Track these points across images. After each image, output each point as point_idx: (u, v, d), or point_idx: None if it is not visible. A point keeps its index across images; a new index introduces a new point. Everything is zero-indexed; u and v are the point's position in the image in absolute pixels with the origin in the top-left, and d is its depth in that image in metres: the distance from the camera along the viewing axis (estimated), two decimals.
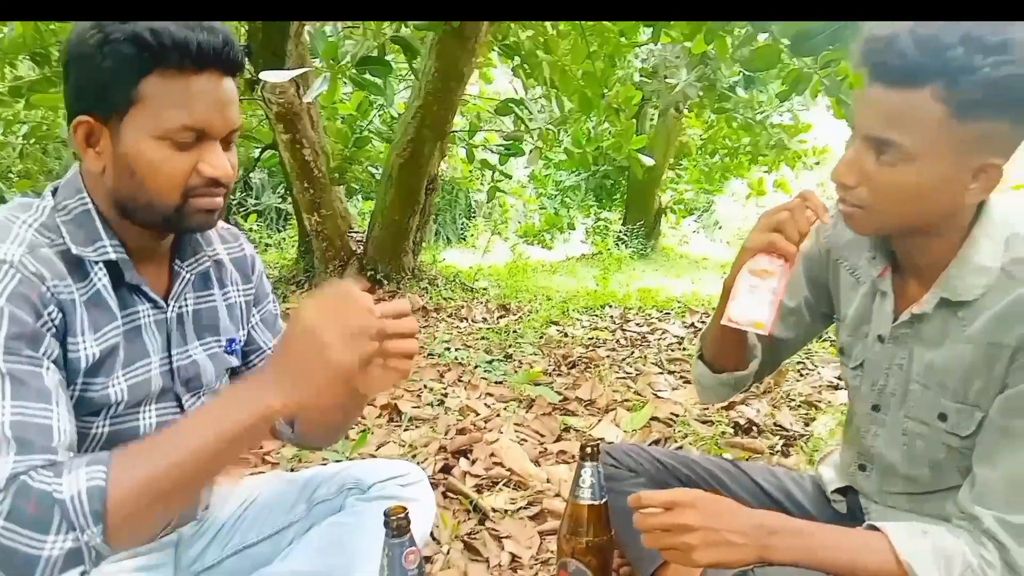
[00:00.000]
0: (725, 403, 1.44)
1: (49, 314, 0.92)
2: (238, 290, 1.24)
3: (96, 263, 0.99)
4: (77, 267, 0.98)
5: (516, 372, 3.45)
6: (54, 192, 1.03)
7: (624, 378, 3.37)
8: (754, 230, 1.15)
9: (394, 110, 6.13)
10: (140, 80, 0.93)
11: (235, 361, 1.23)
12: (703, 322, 4.90)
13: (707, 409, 2.89)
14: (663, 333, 4.50)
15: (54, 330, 0.92)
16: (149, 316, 1.07)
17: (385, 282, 5.38)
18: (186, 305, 1.14)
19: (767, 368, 1.42)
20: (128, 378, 1.03)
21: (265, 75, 2.49)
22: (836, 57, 2.50)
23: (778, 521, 1.08)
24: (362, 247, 5.52)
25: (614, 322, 4.90)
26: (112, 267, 1.02)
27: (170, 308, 1.10)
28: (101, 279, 1.00)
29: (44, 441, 0.86)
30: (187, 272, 1.12)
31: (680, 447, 2.47)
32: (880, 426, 1.23)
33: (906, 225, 1.07)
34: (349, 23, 4.39)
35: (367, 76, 2.79)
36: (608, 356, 3.81)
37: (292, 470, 2.26)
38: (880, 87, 0.99)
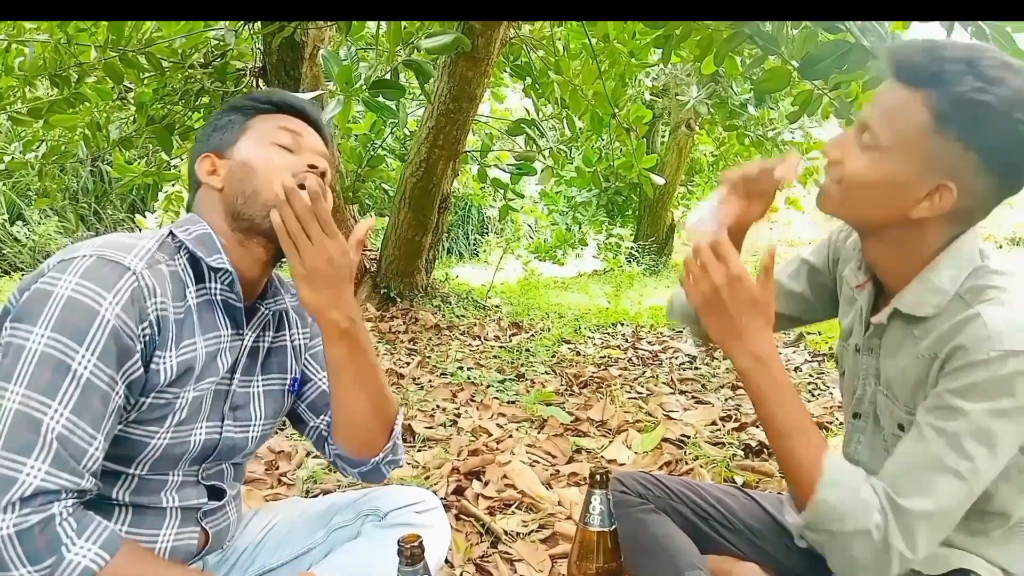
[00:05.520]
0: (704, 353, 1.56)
1: (144, 330, 1.02)
2: (298, 332, 1.36)
3: (192, 283, 1.12)
4: (179, 288, 1.10)
5: (528, 392, 3.48)
6: (170, 227, 1.18)
7: (635, 398, 3.39)
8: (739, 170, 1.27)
9: (407, 128, 6.19)
10: (250, 118, 1.23)
11: (290, 402, 1.35)
12: None
13: (718, 431, 2.90)
14: (675, 352, 4.51)
15: (143, 347, 1.02)
16: (227, 341, 1.17)
17: (399, 299, 5.42)
18: (262, 340, 1.27)
19: None
20: (194, 391, 1.11)
21: None
22: (845, 79, 2.52)
23: (773, 358, 1.12)
24: (375, 265, 5.56)
25: (626, 340, 4.92)
26: (222, 277, 1.15)
27: (247, 337, 1.22)
28: (192, 299, 1.12)
29: (76, 463, 0.94)
30: (265, 308, 1.26)
31: (691, 469, 2.48)
32: (862, 433, 1.28)
33: (860, 216, 1.14)
34: (362, 46, 4.44)
35: (380, 99, 2.83)
36: (620, 375, 3.82)
37: (308, 492, 2.29)
38: (889, 82, 1.07)
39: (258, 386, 1.26)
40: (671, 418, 3.05)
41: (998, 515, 1.13)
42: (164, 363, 1.05)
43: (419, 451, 2.62)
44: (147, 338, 1.02)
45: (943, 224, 1.09)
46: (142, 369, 1.03)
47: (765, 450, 2.68)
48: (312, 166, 1.19)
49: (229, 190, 1.18)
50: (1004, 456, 1.03)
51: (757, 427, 2.88)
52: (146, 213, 9.44)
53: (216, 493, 1.23)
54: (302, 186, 1.12)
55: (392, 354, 4.23)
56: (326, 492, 2.25)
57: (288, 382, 1.32)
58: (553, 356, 4.31)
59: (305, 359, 1.38)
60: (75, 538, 0.92)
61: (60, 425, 0.93)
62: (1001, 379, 1.00)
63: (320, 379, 1.38)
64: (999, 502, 1.12)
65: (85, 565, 0.91)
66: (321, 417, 1.37)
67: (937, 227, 1.10)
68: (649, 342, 4.83)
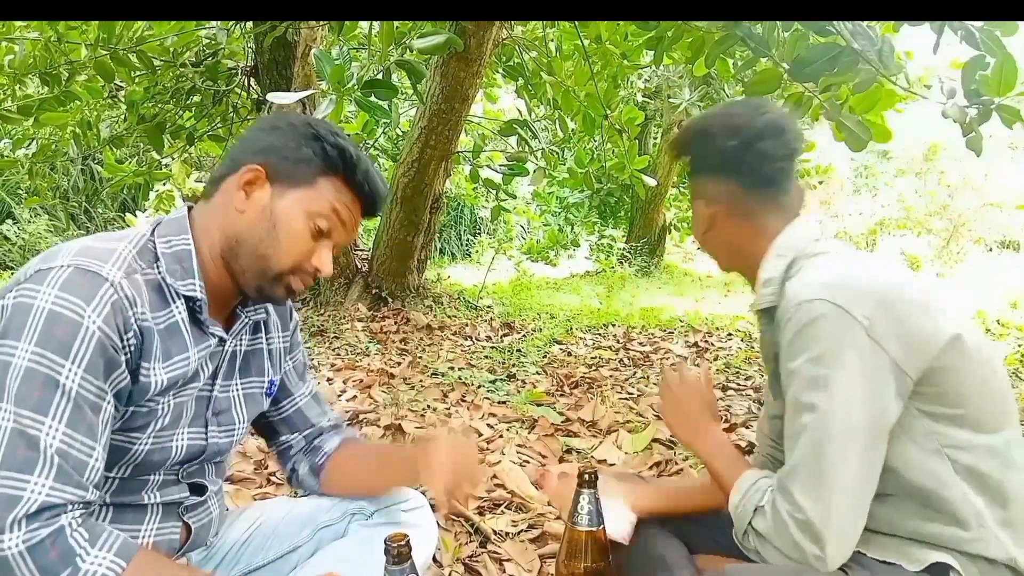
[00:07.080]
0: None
1: (128, 340, 1.00)
2: (278, 335, 1.34)
3: (178, 298, 1.09)
4: (161, 298, 1.07)
5: (519, 392, 3.48)
6: (154, 226, 1.13)
7: (626, 399, 3.39)
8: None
9: (399, 128, 6.19)
10: (325, 176, 1.13)
11: (266, 404, 1.34)
12: (707, 341, 4.92)
13: None
14: (666, 352, 4.52)
15: (128, 357, 1.01)
16: (209, 349, 1.16)
17: (390, 300, 5.42)
18: (240, 344, 1.25)
19: None
20: (175, 397, 1.10)
21: (272, 96, 2.52)
22: (835, 82, 2.53)
23: (726, 444, 1.30)
24: (367, 265, 5.56)
25: (617, 341, 4.92)
26: (190, 303, 1.11)
27: (228, 343, 1.20)
28: (180, 312, 1.09)
29: (79, 476, 0.93)
30: (246, 316, 1.23)
31: (680, 470, 2.48)
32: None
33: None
34: (354, 45, 4.43)
35: (372, 99, 2.83)
36: (611, 376, 3.83)
37: (296, 492, 2.28)
38: None
39: (238, 390, 1.25)
40: (661, 419, 3.05)
41: (926, 491, 1.08)
42: (153, 375, 1.04)
43: None
44: (132, 348, 1.01)
45: (728, 222, 1.26)
46: (129, 379, 1.02)
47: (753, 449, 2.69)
48: (317, 270, 1.16)
49: (246, 227, 1.11)
50: (851, 399, 1.04)
51: (747, 428, 2.90)
52: (137, 212, 9.41)
53: (197, 489, 1.23)
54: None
55: (383, 354, 4.23)
56: None
57: (265, 385, 1.31)
58: (544, 357, 4.32)
59: (285, 371, 1.37)
60: (88, 547, 0.91)
61: (58, 440, 0.91)
62: (803, 328, 1.07)
63: (299, 394, 1.39)
64: (916, 473, 1.08)
65: (102, 574, 0.90)
66: (295, 435, 1.39)
67: (725, 226, 1.27)
68: (640, 343, 4.84)
